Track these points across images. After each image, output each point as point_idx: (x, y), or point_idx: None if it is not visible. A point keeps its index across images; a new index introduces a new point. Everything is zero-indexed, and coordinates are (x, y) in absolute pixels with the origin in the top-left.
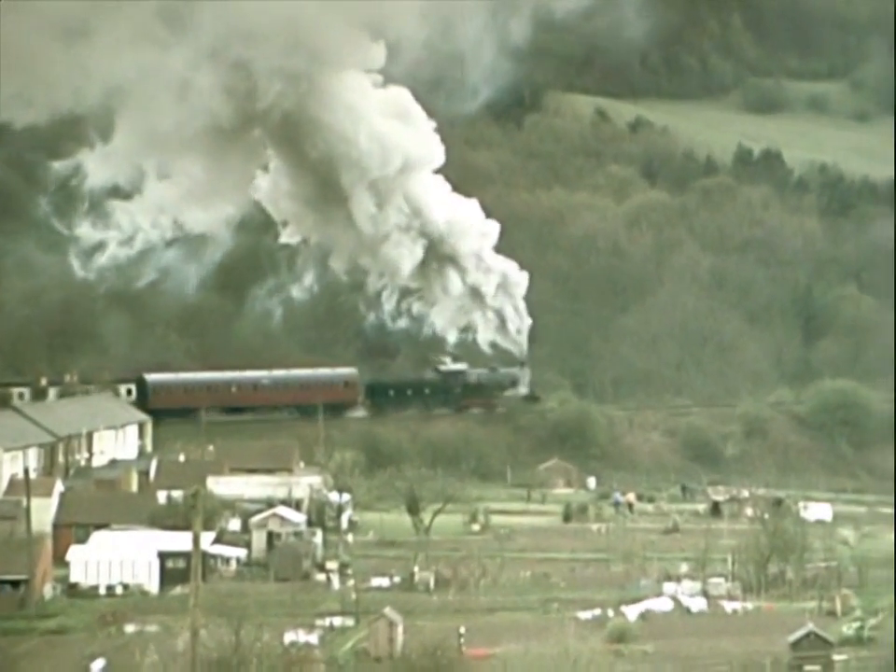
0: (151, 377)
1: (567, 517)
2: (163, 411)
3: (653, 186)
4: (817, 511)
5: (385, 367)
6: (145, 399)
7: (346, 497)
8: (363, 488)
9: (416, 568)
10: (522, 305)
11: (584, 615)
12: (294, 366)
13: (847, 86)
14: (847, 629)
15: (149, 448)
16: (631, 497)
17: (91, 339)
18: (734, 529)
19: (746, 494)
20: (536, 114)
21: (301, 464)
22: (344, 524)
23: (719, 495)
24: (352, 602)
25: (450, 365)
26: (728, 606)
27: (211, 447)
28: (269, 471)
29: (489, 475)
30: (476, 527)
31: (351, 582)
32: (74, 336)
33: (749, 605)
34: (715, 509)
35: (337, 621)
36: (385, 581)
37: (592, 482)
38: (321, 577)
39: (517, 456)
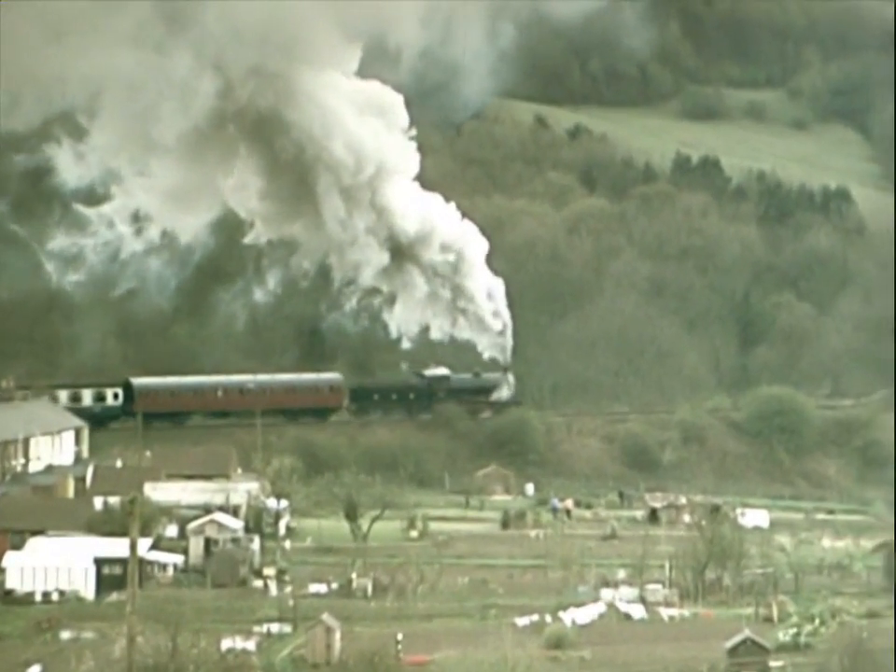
0: (137, 381)
1: (505, 523)
2: (150, 415)
3: (592, 193)
4: (754, 517)
5: (326, 370)
6: (131, 402)
7: (284, 503)
8: (301, 494)
9: (354, 575)
10: (504, 310)
11: (522, 621)
12: (284, 370)
13: (784, 94)
14: (784, 635)
15: (86, 454)
16: (569, 503)
17: (29, 343)
18: (671, 536)
19: (683, 500)
20: (475, 120)
21: (239, 470)
22: (282, 530)
23: (656, 501)
24: (289, 608)
25: (434, 370)
26: (665, 612)
27: (148, 453)
28: (206, 477)
29: (427, 481)
30: (414, 534)
31: (289, 589)
32: (10, 340)
33: (687, 611)
34: (653, 515)
35: (274, 627)
36: (322, 588)
37: (530, 488)
38: (258, 583)
39: (455, 463)
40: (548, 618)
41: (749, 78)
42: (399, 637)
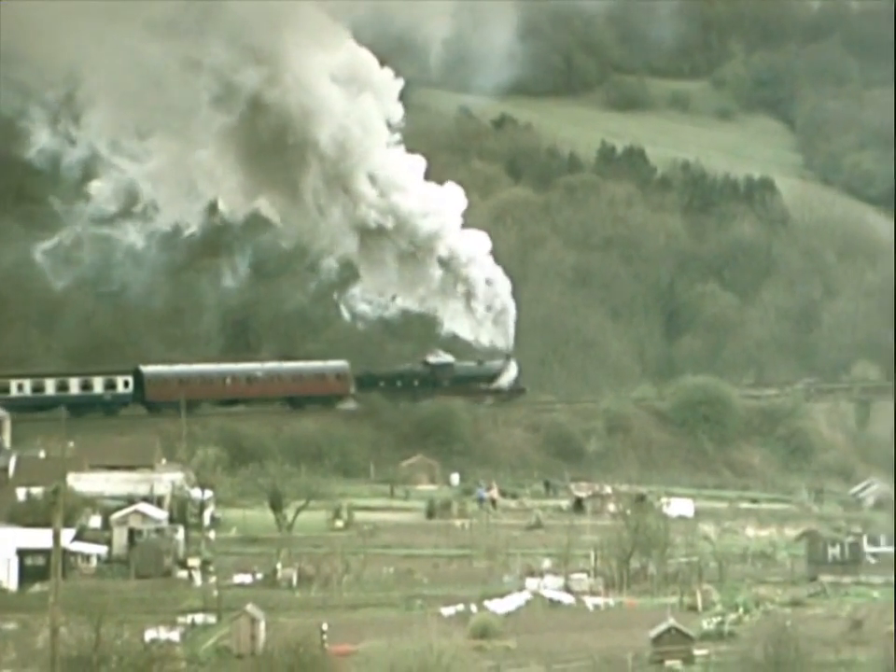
0: (147, 369)
1: (430, 513)
2: (158, 403)
3: (518, 182)
4: (678, 506)
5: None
6: (141, 390)
7: (209, 493)
8: (226, 485)
9: (279, 565)
10: (508, 298)
11: (447, 611)
12: (289, 358)
13: (708, 84)
14: (708, 624)
15: (8, 444)
16: (494, 493)
17: None
18: (596, 525)
19: (608, 490)
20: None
21: (164, 460)
22: (207, 520)
23: (581, 491)
24: (214, 599)
25: (438, 357)
26: (590, 601)
27: (71, 443)
28: (130, 468)
29: (352, 471)
30: (339, 524)
31: (213, 579)
32: None
33: (611, 600)
34: (578, 505)
35: (199, 618)
36: (247, 578)
37: (455, 478)
38: (183, 574)
39: (381, 453)
40: (473, 607)
41: (674, 68)
42: (325, 627)
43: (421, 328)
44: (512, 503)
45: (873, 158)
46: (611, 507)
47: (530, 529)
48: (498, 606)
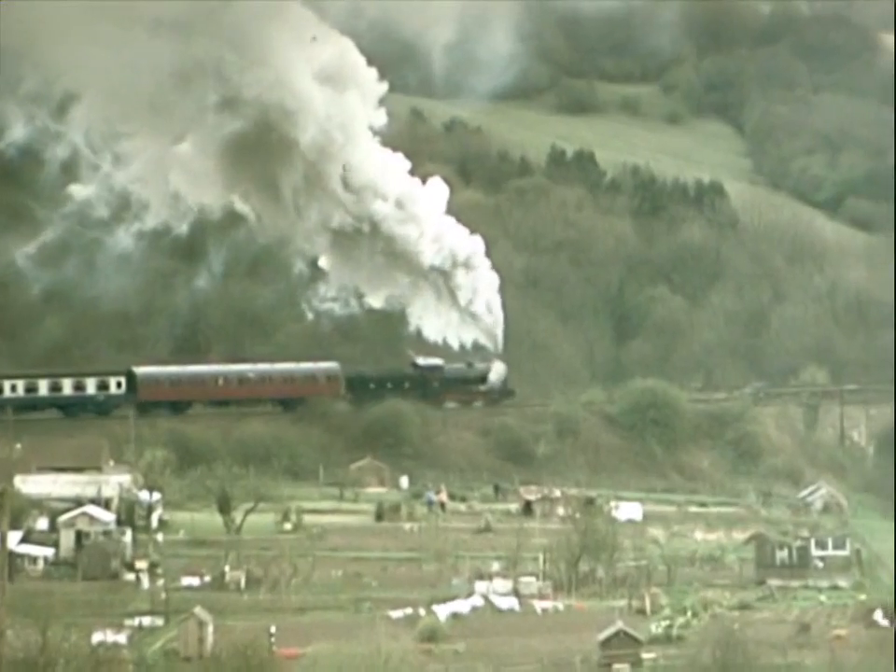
0: (140, 370)
1: (379, 516)
2: (150, 404)
3: (468, 186)
4: (627, 510)
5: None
6: (133, 391)
7: (157, 495)
8: (174, 487)
9: (227, 568)
10: (496, 301)
11: (396, 614)
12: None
13: (658, 88)
14: (656, 627)
15: None
16: (443, 496)
17: None
18: (545, 528)
19: (557, 493)
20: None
21: (111, 462)
22: (154, 523)
23: (531, 494)
24: (161, 601)
25: (428, 360)
26: (539, 604)
27: (18, 445)
28: (78, 470)
29: (301, 474)
30: (288, 526)
31: (161, 582)
32: None
33: (560, 603)
34: (527, 508)
35: (146, 620)
36: (195, 581)
37: (404, 481)
38: (130, 576)
39: (330, 455)
40: (422, 611)
41: (624, 72)
42: (273, 629)
43: (388, 328)
44: (462, 506)
45: (821, 162)
46: (560, 510)
47: (479, 533)
48: (447, 609)
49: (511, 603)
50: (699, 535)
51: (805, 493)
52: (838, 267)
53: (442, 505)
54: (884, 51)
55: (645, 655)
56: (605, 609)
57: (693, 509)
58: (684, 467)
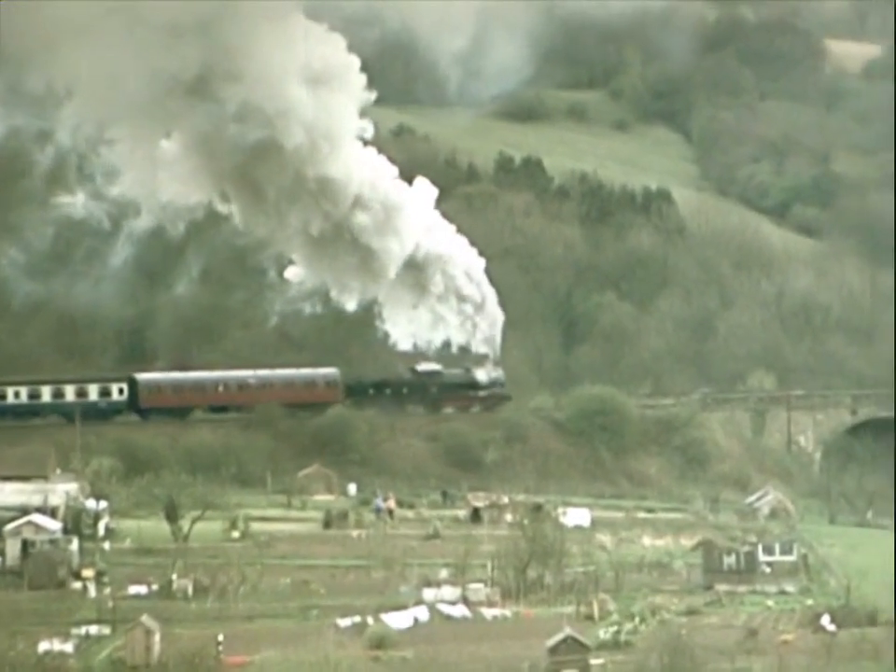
0: (142, 376)
1: (327, 524)
2: (151, 409)
3: None
4: (575, 516)
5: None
6: (135, 397)
7: (104, 504)
8: (121, 495)
9: (174, 576)
10: (494, 307)
11: (344, 622)
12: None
13: (605, 95)
14: (604, 633)
15: None
16: (391, 503)
17: None
18: (493, 535)
19: (506, 500)
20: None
21: (58, 471)
22: (101, 531)
23: (479, 501)
24: (108, 610)
25: (426, 365)
26: (487, 611)
27: None
28: (24, 478)
29: (249, 482)
30: (236, 534)
31: (108, 590)
32: None
33: (508, 610)
34: (475, 515)
35: (93, 629)
36: (142, 589)
37: (352, 488)
38: (77, 585)
39: (277, 463)
40: (370, 618)
41: (571, 79)
42: (220, 638)
43: (354, 334)
44: (410, 513)
45: (768, 169)
46: (508, 517)
47: (427, 539)
48: (395, 617)
49: (459, 610)
50: (647, 541)
51: (752, 498)
52: (785, 273)
53: (390, 512)
54: (829, 57)
55: (593, 661)
56: (553, 616)
57: (641, 514)
58: (632, 473)
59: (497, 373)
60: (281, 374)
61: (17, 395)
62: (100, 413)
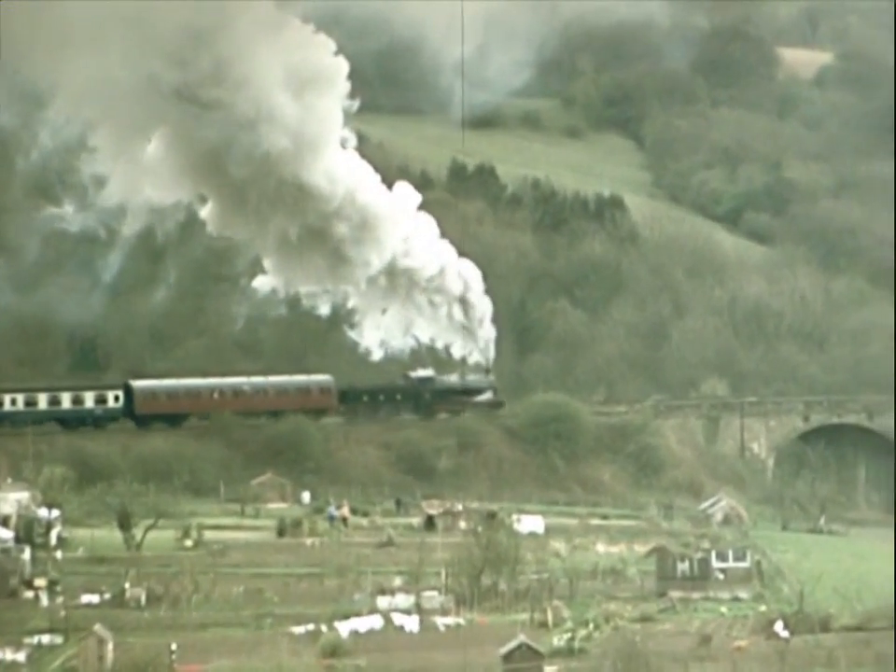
0: (137, 384)
1: (281, 532)
2: (147, 416)
3: None
4: (529, 523)
5: (100, 379)
6: (130, 404)
7: (56, 512)
8: (73, 504)
9: (127, 585)
10: (486, 315)
11: (298, 630)
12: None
13: (558, 103)
14: (558, 640)
15: None
16: (345, 511)
17: None
18: (447, 542)
19: (459, 507)
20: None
21: (9, 479)
22: (54, 540)
23: (433, 508)
24: (61, 619)
25: (420, 372)
26: (441, 619)
27: None
28: None
29: (202, 490)
30: (189, 543)
31: (60, 599)
32: None
33: (462, 617)
34: (429, 522)
35: (45, 639)
36: (95, 598)
37: (306, 496)
38: (29, 594)
39: (231, 471)
40: (324, 627)
41: (524, 87)
42: (173, 646)
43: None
44: (364, 521)
45: (720, 176)
46: (462, 524)
47: (381, 547)
48: (349, 625)
49: (413, 618)
50: (601, 547)
51: (705, 505)
52: (737, 280)
53: (344, 520)
54: (781, 65)
55: (547, 668)
56: (507, 623)
57: (595, 521)
58: (586, 480)
59: (490, 379)
60: (275, 381)
61: (14, 402)
62: (96, 420)
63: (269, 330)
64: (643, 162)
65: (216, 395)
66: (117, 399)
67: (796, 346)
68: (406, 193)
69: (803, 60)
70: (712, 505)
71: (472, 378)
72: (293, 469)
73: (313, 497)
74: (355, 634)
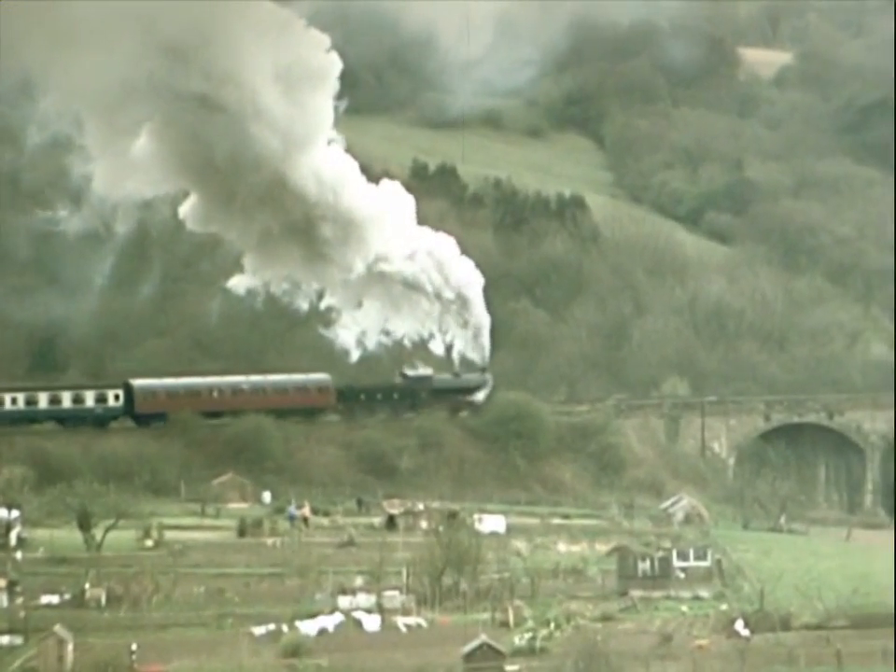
0: (137, 382)
1: (241, 532)
2: (147, 415)
3: None
4: (491, 523)
5: (58, 379)
6: (130, 403)
7: (15, 513)
8: (33, 504)
9: (87, 585)
10: (482, 314)
11: (259, 630)
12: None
13: (519, 102)
14: (520, 640)
15: None
16: (306, 510)
17: None
18: (409, 542)
19: (421, 507)
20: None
21: None
22: (13, 540)
23: (394, 508)
24: (21, 620)
25: (417, 370)
26: (402, 619)
27: None
28: None
29: (163, 490)
30: (149, 543)
31: (20, 600)
32: None
33: (424, 617)
34: (390, 522)
35: (5, 639)
36: (55, 599)
37: (267, 496)
38: None
39: (191, 471)
40: (285, 626)
41: (485, 86)
42: (134, 647)
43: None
44: (325, 521)
45: (681, 176)
46: (424, 524)
47: (342, 547)
48: (310, 624)
49: (374, 617)
50: (562, 547)
51: (666, 504)
52: (698, 279)
53: (305, 520)
54: (742, 65)
55: (508, 668)
56: (468, 622)
57: (556, 521)
58: (547, 479)
59: (486, 377)
60: (273, 380)
61: (14, 401)
62: (96, 419)
63: (231, 330)
64: (604, 162)
65: (215, 393)
66: (117, 398)
67: (757, 346)
68: (395, 192)
69: (763, 60)
70: (673, 504)
71: (469, 376)
72: (254, 469)
73: (274, 497)
74: (316, 634)
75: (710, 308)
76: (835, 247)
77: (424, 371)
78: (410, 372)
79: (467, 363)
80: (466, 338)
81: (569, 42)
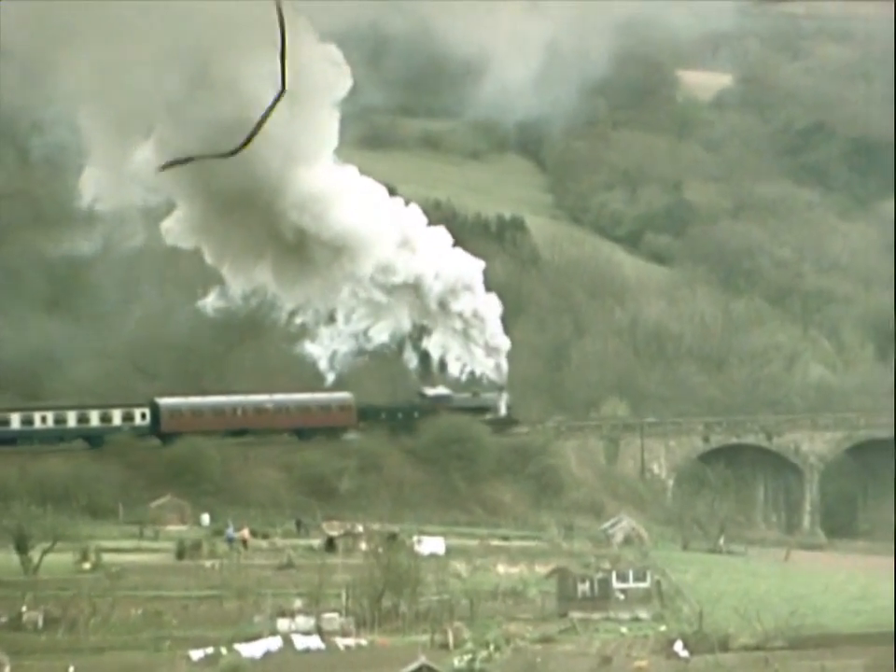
0: (163, 401)
1: (180, 554)
2: (173, 434)
3: None
4: (430, 544)
5: None
6: (157, 422)
7: None
8: None
9: (24, 608)
10: (500, 332)
11: (197, 653)
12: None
13: (460, 124)
14: (459, 661)
15: None
16: (245, 533)
17: None
18: (348, 564)
19: (360, 528)
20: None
21: None
22: None
23: (333, 530)
24: None
25: (436, 390)
26: (342, 641)
27: None
28: None
29: (101, 512)
30: (87, 566)
31: None
32: None
33: (363, 639)
34: (330, 544)
35: None
36: None
37: (206, 518)
38: None
39: (130, 493)
40: (223, 649)
41: (425, 108)
42: (71, 670)
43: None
44: (264, 543)
45: (620, 197)
46: (363, 545)
47: (281, 569)
48: (249, 647)
49: (313, 640)
50: (501, 568)
51: (606, 525)
52: (638, 301)
53: (244, 542)
54: (681, 87)
55: None
56: (408, 644)
57: (496, 542)
58: (487, 500)
59: (504, 396)
60: (296, 399)
61: (44, 420)
62: (123, 437)
63: (167, 353)
64: (544, 184)
65: (239, 412)
66: (143, 416)
67: (696, 367)
68: (395, 211)
69: (702, 82)
70: (613, 525)
71: (486, 396)
72: (192, 491)
73: (212, 519)
74: (255, 656)
75: (650, 329)
76: (774, 269)
77: (442, 390)
78: (429, 391)
79: (475, 381)
80: (482, 357)
81: (511, 64)
